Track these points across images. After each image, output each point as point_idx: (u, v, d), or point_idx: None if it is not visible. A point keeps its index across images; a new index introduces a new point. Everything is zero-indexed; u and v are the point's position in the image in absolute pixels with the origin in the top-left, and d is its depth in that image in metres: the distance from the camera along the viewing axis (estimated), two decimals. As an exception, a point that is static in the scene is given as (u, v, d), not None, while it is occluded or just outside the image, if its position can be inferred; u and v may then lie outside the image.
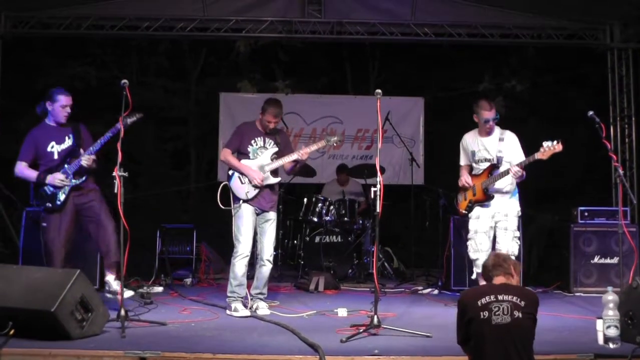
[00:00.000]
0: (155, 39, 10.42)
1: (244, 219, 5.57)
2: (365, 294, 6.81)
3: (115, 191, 4.71)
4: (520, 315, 3.30)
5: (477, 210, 5.83)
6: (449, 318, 4.17)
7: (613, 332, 4.16)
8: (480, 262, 5.61)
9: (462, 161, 6.05)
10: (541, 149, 5.33)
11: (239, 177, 5.64)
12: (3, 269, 4.63)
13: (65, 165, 5.50)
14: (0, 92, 7.96)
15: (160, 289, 6.88)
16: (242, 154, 5.69)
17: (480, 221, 5.80)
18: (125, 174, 4.77)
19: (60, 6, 7.90)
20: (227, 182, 5.68)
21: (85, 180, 5.54)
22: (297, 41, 10.34)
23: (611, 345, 4.16)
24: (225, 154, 5.73)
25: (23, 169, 5.56)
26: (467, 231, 5.91)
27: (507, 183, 5.73)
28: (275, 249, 6.99)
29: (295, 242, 8.56)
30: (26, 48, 9.64)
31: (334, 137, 5.77)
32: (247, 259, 5.56)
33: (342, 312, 5.53)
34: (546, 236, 8.46)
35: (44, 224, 5.64)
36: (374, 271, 5.04)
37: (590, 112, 5.34)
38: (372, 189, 4.85)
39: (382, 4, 8.15)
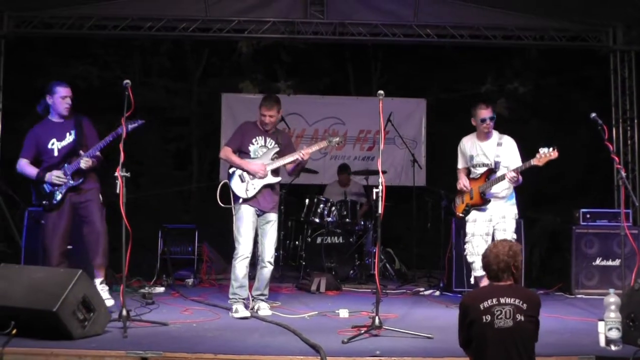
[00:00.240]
0: (157, 39, 10.43)
1: (244, 220, 5.55)
2: (367, 295, 6.81)
3: (118, 191, 4.71)
4: (523, 318, 3.29)
5: (473, 214, 5.84)
6: (450, 319, 4.16)
7: (615, 334, 4.15)
8: (477, 265, 5.63)
9: (460, 164, 6.06)
10: (537, 155, 5.37)
11: (239, 176, 5.62)
12: (5, 268, 4.63)
13: (66, 165, 5.52)
14: (3, 92, 7.99)
15: (161, 289, 6.90)
16: (243, 152, 5.68)
17: (477, 224, 5.81)
18: (128, 174, 4.77)
19: (63, 6, 7.90)
20: (227, 181, 5.66)
21: (83, 182, 5.56)
22: (299, 42, 10.36)
23: (613, 348, 4.15)
24: (226, 152, 5.72)
25: (24, 166, 5.57)
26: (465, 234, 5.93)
27: (503, 188, 5.74)
28: (277, 249, 6.99)
29: (296, 242, 8.56)
30: (29, 48, 9.65)
31: (335, 137, 5.77)
32: (248, 260, 5.54)
33: (343, 313, 5.52)
34: (548, 238, 8.44)
35: (43, 222, 5.66)
36: (376, 272, 5.05)
37: (593, 114, 5.34)
38: (374, 190, 4.83)
39: (384, 5, 8.14)
